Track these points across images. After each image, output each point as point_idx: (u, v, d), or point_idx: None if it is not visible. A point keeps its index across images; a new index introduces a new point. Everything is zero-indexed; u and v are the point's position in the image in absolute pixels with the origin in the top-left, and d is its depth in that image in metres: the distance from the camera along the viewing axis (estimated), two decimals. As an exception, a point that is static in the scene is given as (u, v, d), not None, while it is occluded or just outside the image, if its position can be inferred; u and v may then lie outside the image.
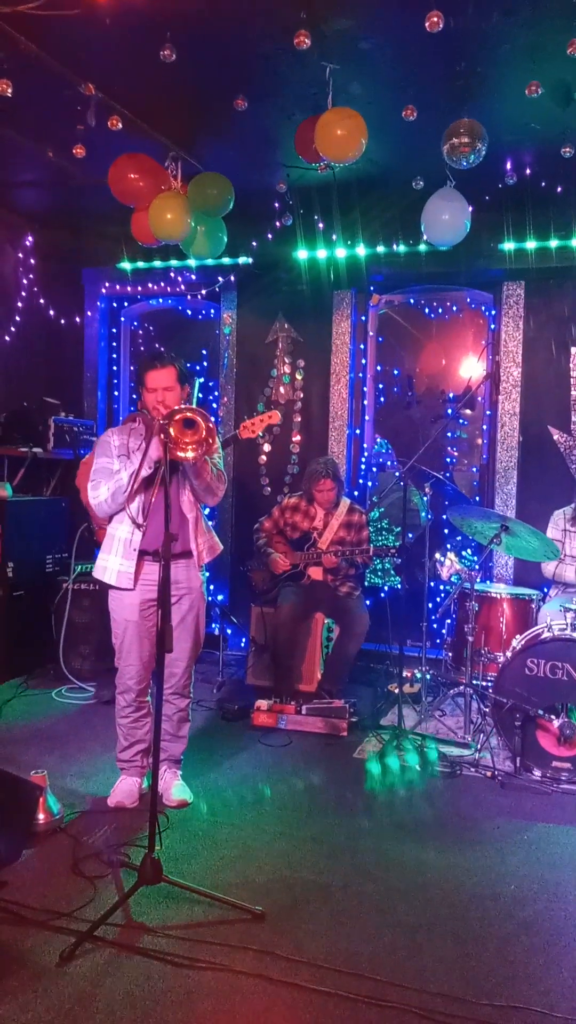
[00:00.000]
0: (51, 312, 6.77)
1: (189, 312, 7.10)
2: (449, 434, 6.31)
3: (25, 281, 6.51)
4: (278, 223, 5.69)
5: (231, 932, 2.77)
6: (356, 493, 6.41)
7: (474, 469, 6.37)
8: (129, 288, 6.98)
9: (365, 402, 6.57)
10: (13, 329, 6.39)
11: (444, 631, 5.69)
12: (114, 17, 3.54)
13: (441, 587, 6.00)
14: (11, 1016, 2.34)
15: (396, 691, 4.94)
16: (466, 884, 3.17)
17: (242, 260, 6.41)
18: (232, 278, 6.59)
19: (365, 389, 6.56)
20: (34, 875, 3.11)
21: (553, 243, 5.62)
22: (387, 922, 2.89)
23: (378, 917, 2.92)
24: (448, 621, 5.50)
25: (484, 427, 6.26)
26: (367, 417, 6.59)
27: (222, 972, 2.56)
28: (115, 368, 7.22)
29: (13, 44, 3.75)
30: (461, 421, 6.31)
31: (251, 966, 2.59)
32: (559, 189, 5.26)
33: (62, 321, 6.89)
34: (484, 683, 4.91)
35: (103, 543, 3.72)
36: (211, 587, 6.59)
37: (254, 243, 6.26)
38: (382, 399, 6.58)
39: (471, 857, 3.39)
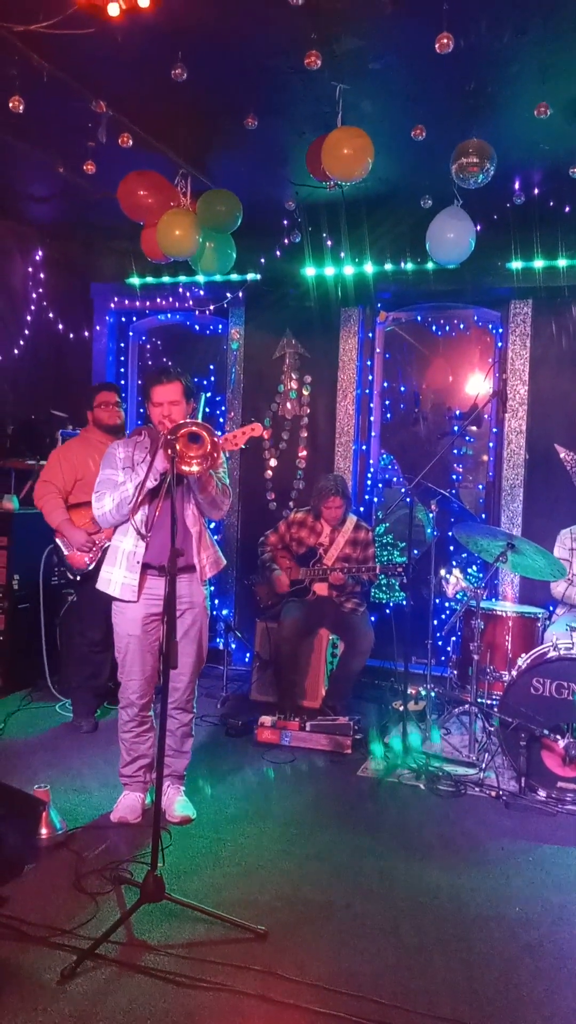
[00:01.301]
0: (60, 326, 6.80)
1: (197, 327, 7.13)
2: (455, 451, 6.31)
3: (34, 295, 6.54)
4: (286, 240, 5.72)
5: (233, 951, 2.75)
6: (362, 509, 6.41)
7: (480, 486, 6.36)
8: (138, 303, 7.02)
9: (372, 418, 6.58)
10: (22, 342, 6.42)
11: (449, 649, 5.67)
12: (126, 36, 3.57)
13: (446, 604, 5.98)
14: (11, 1034, 2.32)
15: (401, 708, 4.92)
16: (470, 905, 3.15)
17: (250, 276, 6.44)
18: (240, 294, 6.62)
19: (372, 405, 6.57)
20: (36, 891, 3.09)
21: (561, 262, 5.63)
22: (390, 943, 2.86)
23: (381, 938, 2.89)
24: (453, 639, 5.48)
25: (490, 444, 6.25)
26: (373, 433, 6.59)
27: (224, 992, 2.54)
28: (123, 382, 7.24)
29: (26, 61, 3.78)
30: (467, 438, 6.31)
31: (253, 986, 2.57)
32: (567, 209, 5.28)
33: (71, 335, 6.92)
34: (489, 702, 4.88)
35: (107, 555, 3.73)
36: (215, 601, 6.59)
37: (262, 260, 6.29)
38: (388, 415, 6.59)
39: (475, 878, 3.36)
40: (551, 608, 5.35)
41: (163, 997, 2.51)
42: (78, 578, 4.88)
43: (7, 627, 5.51)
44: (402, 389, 6.53)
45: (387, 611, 6.26)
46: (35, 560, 5.56)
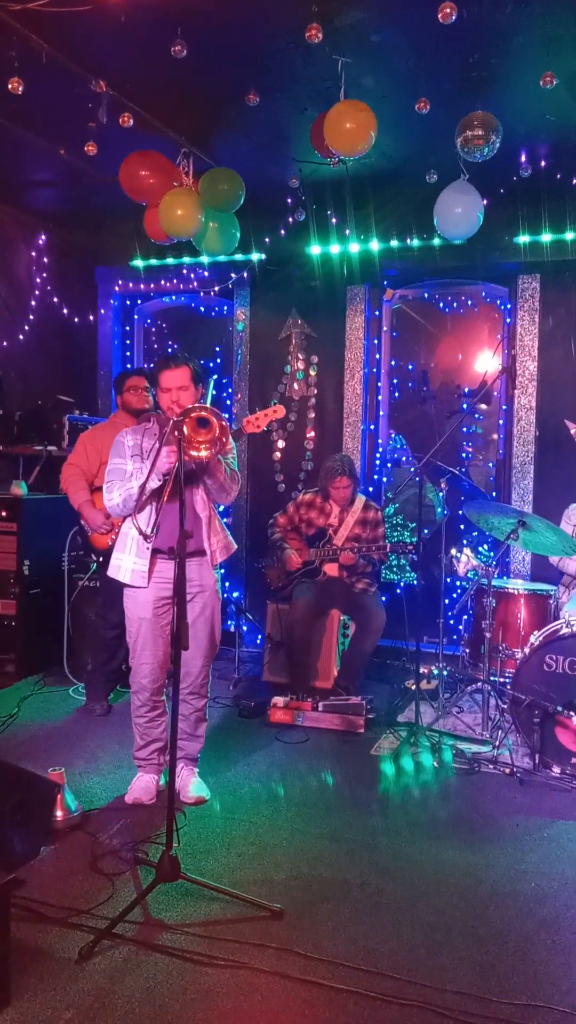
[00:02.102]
0: (65, 310, 6.78)
1: (202, 309, 7.10)
2: (465, 429, 6.27)
3: (39, 280, 6.52)
4: (291, 219, 5.67)
5: (249, 930, 2.77)
6: (371, 489, 6.39)
7: (490, 464, 6.33)
8: (142, 286, 6.99)
9: (379, 398, 6.55)
10: (27, 328, 6.41)
11: (461, 627, 5.67)
12: (125, 13, 3.53)
13: (458, 583, 5.97)
14: (31, 1013, 2.35)
15: (413, 687, 4.92)
16: (485, 882, 3.15)
17: (255, 256, 6.40)
18: (245, 274, 6.58)
19: (379, 384, 6.54)
20: (52, 872, 3.12)
21: (569, 235, 5.57)
22: (406, 920, 2.87)
23: (396, 915, 2.90)
24: (465, 617, 5.48)
25: (500, 422, 6.22)
26: (382, 413, 6.56)
27: (240, 970, 2.56)
28: (129, 366, 7.22)
29: (24, 42, 3.75)
30: (477, 416, 6.28)
31: (269, 964, 2.59)
32: (575, 181, 5.22)
33: (76, 319, 6.91)
34: (502, 679, 4.87)
35: (117, 542, 3.72)
36: (226, 584, 6.59)
37: (267, 239, 6.24)
38: (397, 394, 6.55)
39: (490, 854, 3.37)
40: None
41: (180, 975, 2.53)
42: (101, 559, 4.91)
43: (18, 612, 5.53)
44: (410, 368, 6.49)
45: (398, 591, 6.25)
46: (45, 545, 5.58)
